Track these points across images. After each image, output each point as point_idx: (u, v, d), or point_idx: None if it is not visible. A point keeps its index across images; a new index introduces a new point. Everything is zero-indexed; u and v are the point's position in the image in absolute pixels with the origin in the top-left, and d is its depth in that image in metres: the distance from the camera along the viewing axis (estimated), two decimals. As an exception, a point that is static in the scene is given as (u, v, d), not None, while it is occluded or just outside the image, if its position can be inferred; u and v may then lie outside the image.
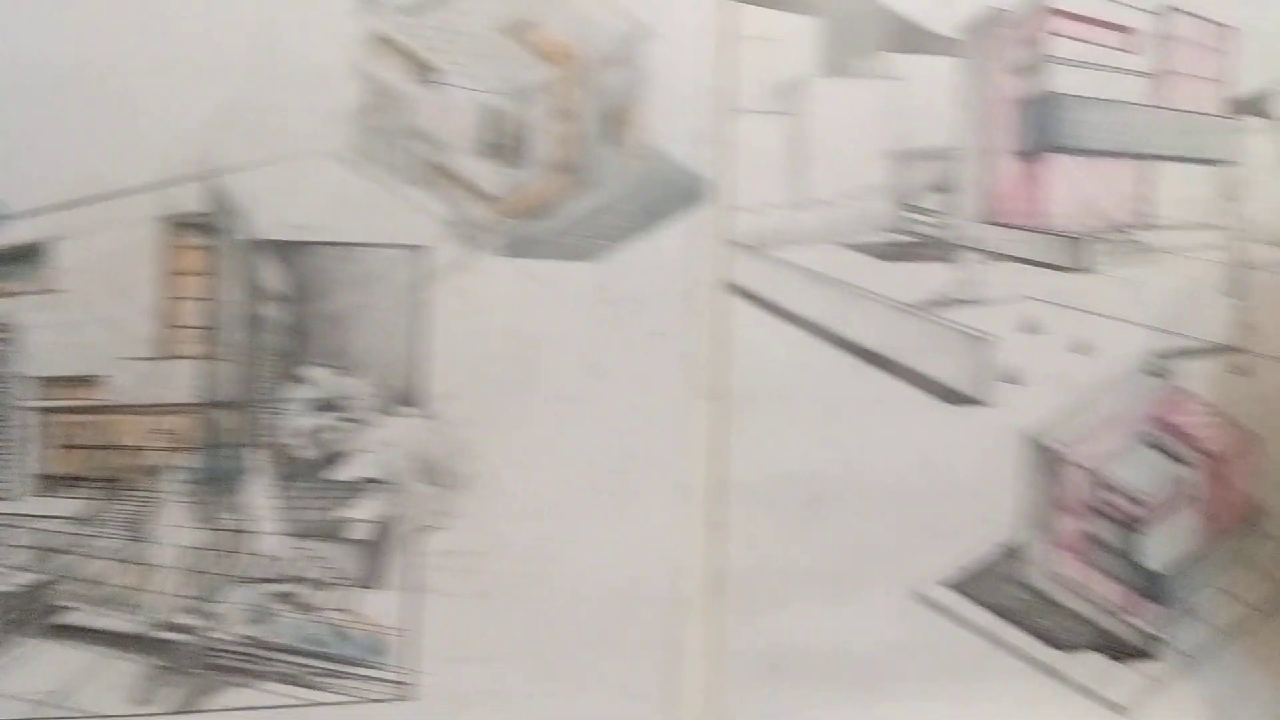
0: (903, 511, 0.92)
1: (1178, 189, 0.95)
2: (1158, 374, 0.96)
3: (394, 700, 0.83)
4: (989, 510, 0.93)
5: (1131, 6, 0.93)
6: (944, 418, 0.92)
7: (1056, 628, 0.96)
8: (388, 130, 0.80)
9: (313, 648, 0.83)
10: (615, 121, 0.84)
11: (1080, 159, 0.93)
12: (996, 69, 0.91)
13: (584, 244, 0.84)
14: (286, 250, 0.80)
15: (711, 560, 0.89)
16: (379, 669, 0.83)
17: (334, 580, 0.83)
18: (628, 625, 0.87)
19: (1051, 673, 0.95)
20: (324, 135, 0.80)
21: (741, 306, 0.88)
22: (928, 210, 0.91)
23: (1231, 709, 0.98)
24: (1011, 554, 0.95)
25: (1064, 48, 0.92)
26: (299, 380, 0.81)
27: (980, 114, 0.91)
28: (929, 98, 0.90)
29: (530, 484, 0.85)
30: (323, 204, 0.80)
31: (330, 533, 0.82)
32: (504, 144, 0.82)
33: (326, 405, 0.81)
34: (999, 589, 0.94)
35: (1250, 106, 0.96)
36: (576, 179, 0.84)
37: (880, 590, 0.92)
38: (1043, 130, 0.92)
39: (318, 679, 0.83)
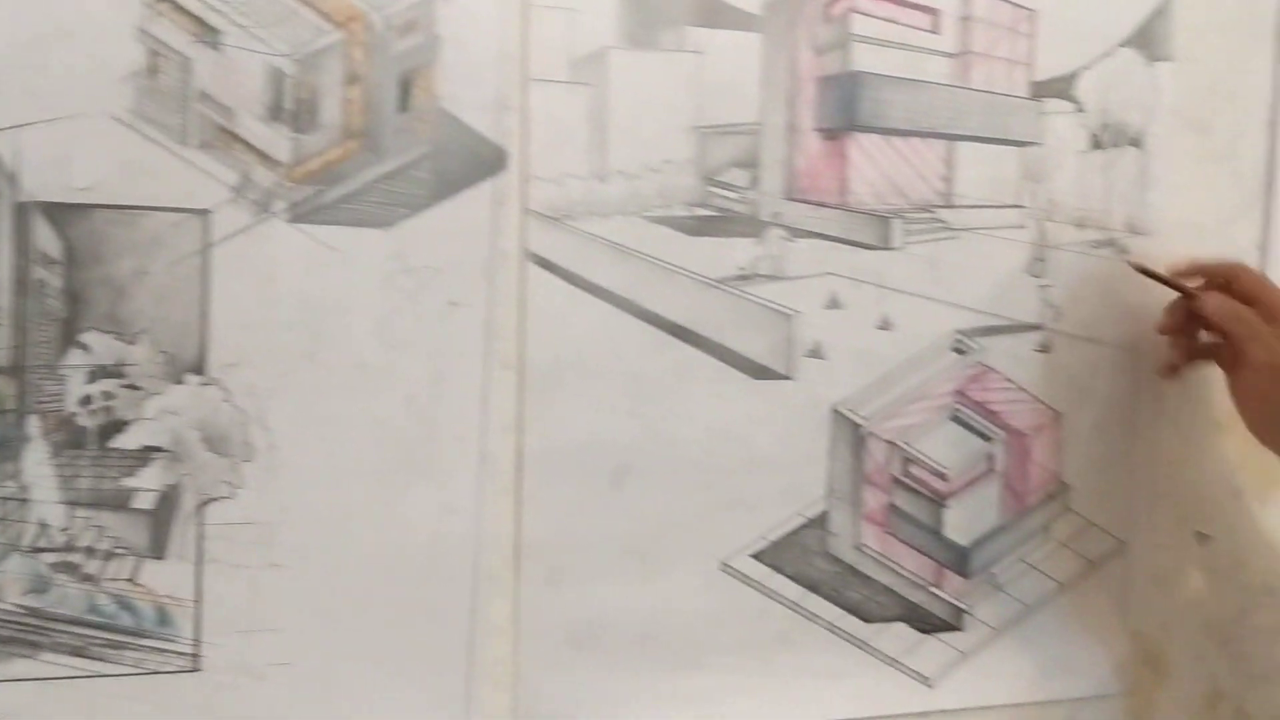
0: (709, 484, 0.92)
1: (981, 169, 0.98)
2: (962, 350, 0.98)
3: (180, 672, 0.82)
4: (795, 483, 0.94)
5: (933, -12, 0.95)
6: (749, 391, 0.93)
7: (863, 600, 0.97)
8: (171, 92, 0.79)
9: (97, 619, 0.81)
10: (408, 88, 0.83)
11: (883, 138, 0.95)
12: (799, 46, 0.92)
13: (378, 211, 0.84)
14: (63, 213, 0.78)
15: (515, 532, 0.88)
16: (165, 640, 0.82)
17: (118, 550, 0.81)
18: (427, 597, 0.87)
19: (859, 644, 0.97)
20: (103, 96, 0.78)
21: (543, 277, 0.88)
22: (731, 185, 0.92)
23: (1035, 680, 1.00)
24: (818, 527, 0.96)
25: (867, 27, 0.94)
26: (79, 347, 0.79)
27: (783, 91, 0.92)
28: (732, 73, 0.91)
29: (323, 454, 0.84)
30: (102, 167, 0.79)
31: (113, 502, 0.81)
32: (292, 108, 0.81)
33: (108, 372, 0.80)
34: (806, 561, 0.95)
35: (1052, 89, 0.99)
36: (368, 145, 0.83)
37: (687, 562, 0.92)
38: (846, 108, 0.94)
39: (102, 650, 0.81)
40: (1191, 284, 0.94)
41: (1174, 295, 0.95)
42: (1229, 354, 0.92)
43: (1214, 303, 0.91)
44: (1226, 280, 0.93)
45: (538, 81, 0.86)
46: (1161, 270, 0.95)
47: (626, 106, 0.88)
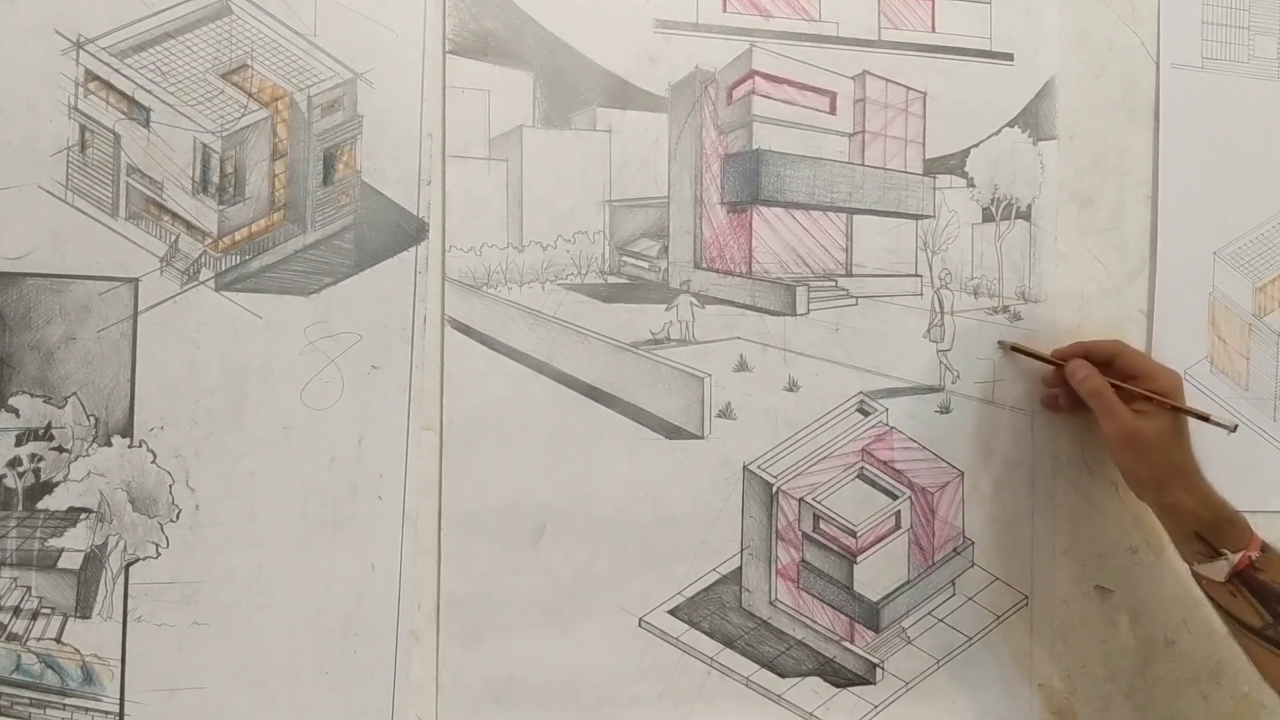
0: (625, 541, 0.96)
1: (879, 240, 1.03)
2: (866, 412, 1.02)
3: (102, 733, 0.83)
4: (709, 540, 0.98)
5: (830, 71, 1.01)
6: (663, 450, 0.97)
7: (778, 655, 1.00)
8: (101, 166, 0.83)
9: (22, 678, 0.82)
10: (332, 163, 0.88)
11: (786, 211, 1.00)
12: (705, 126, 0.98)
13: (302, 279, 0.88)
14: (-5, 281, 0.81)
15: (435, 590, 0.91)
16: (90, 699, 0.83)
17: (44, 609, 0.83)
18: (349, 654, 0.89)
19: (774, 699, 0.99)
20: (36, 170, 0.82)
21: (462, 342, 0.92)
22: (643, 255, 0.97)
23: (947, 731, 1.03)
24: (733, 582, 0.99)
25: (768, 108, 1.00)
26: (8, 410, 0.82)
27: (690, 167, 0.98)
28: (641, 150, 0.96)
29: (247, 514, 0.86)
30: (34, 237, 0.82)
31: (41, 562, 0.82)
32: (218, 182, 0.85)
33: (36, 435, 0.82)
34: (722, 616, 0.98)
35: (944, 165, 1.05)
36: (293, 217, 0.87)
37: (604, 618, 0.95)
38: (749, 184, 0.99)
39: (27, 710, 0.82)
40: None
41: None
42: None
43: (1076, 372, 0.99)
44: (1108, 358, 1.00)
45: (456, 158, 0.91)
46: (1035, 349, 1.02)
47: (541, 181, 0.93)
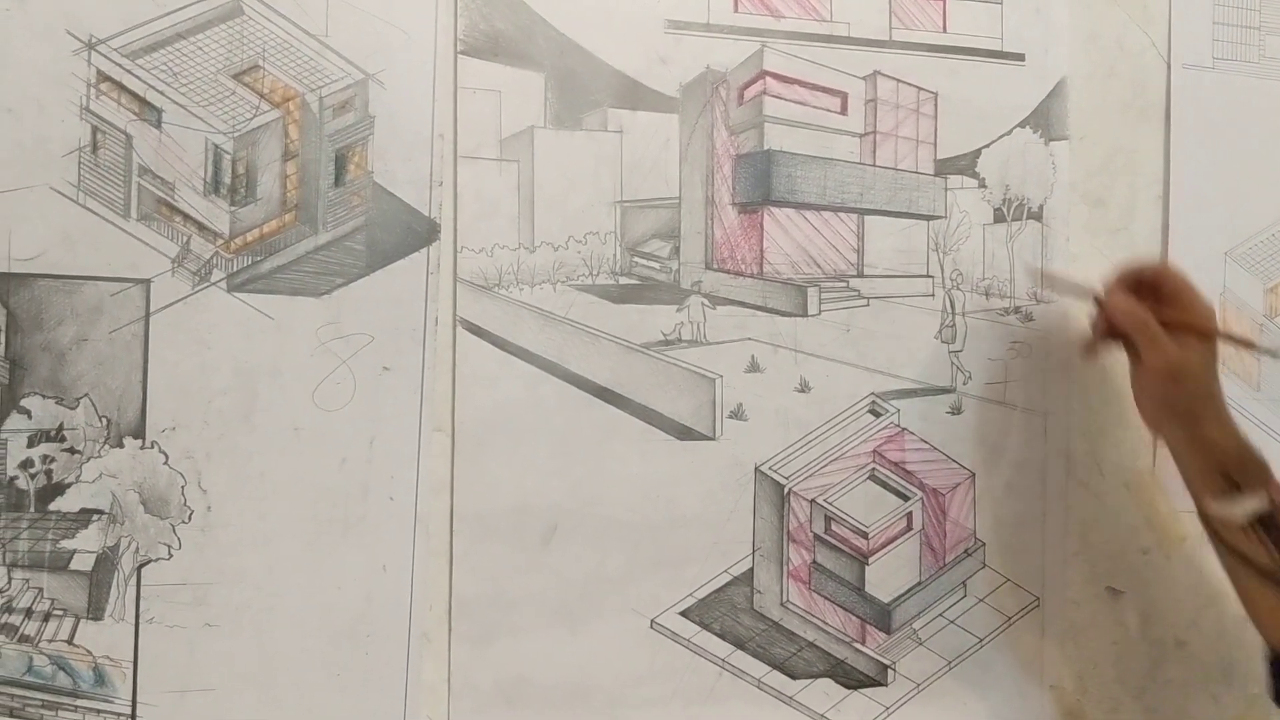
0: (636, 543, 0.95)
1: (891, 241, 1.03)
2: (878, 413, 1.02)
3: (114, 734, 0.83)
4: (721, 541, 0.98)
5: (841, 71, 1.01)
6: (674, 452, 0.96)
7: (789, 656, 1.00)
8: (113, 167, 0.83)
9: (34, 680, 0.82)
10: (343, 164, 0.87)
11: (797, 211, 1.00)
12: (716, 126, 0.98)
13: (314, 280, 0.87)
14: (6, 282, 0.81)
15: (447, 591, 0.91)
16: (102, 701, 0.83)
17: (56, 611, 0.82)
18: (361, 656, 0.89)
19: (785, 700, 0.99)
20: (48, 171, 0.82)
21: (473, 343, 0.92)
22: (654, 256, 0.96)
23: (958, 733, 1.03)
24: (744, 584, 0.99)
25: (779, 109, 1.00)
26: (20, 411, 0.82)
27: (701, 168, 0.98)
28: (652, 151, 0.96)
29: (258, 516, 0.86)
30: (45, 238, 0.82)
31: (52, 564, 0.82)
32: (230, 183, 0.85)
33: (48, 437, 0.82)
34: (733, 618, 0.98)
35: (955, 166, 1.05)
36: (304, 218, 0.87)
37: (615, 619, 0.95)
38: (761, 184, 0.99)
39: (39, 711, 0.82)
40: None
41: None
42: (1130, 352, 0.96)
43: (1118, 306, 0.95)
44: (1154, 281, 0.96)
45: (468, 158, 0.91)
46: (1069, 278, 1.00)
47: (553, 182, 0.93)
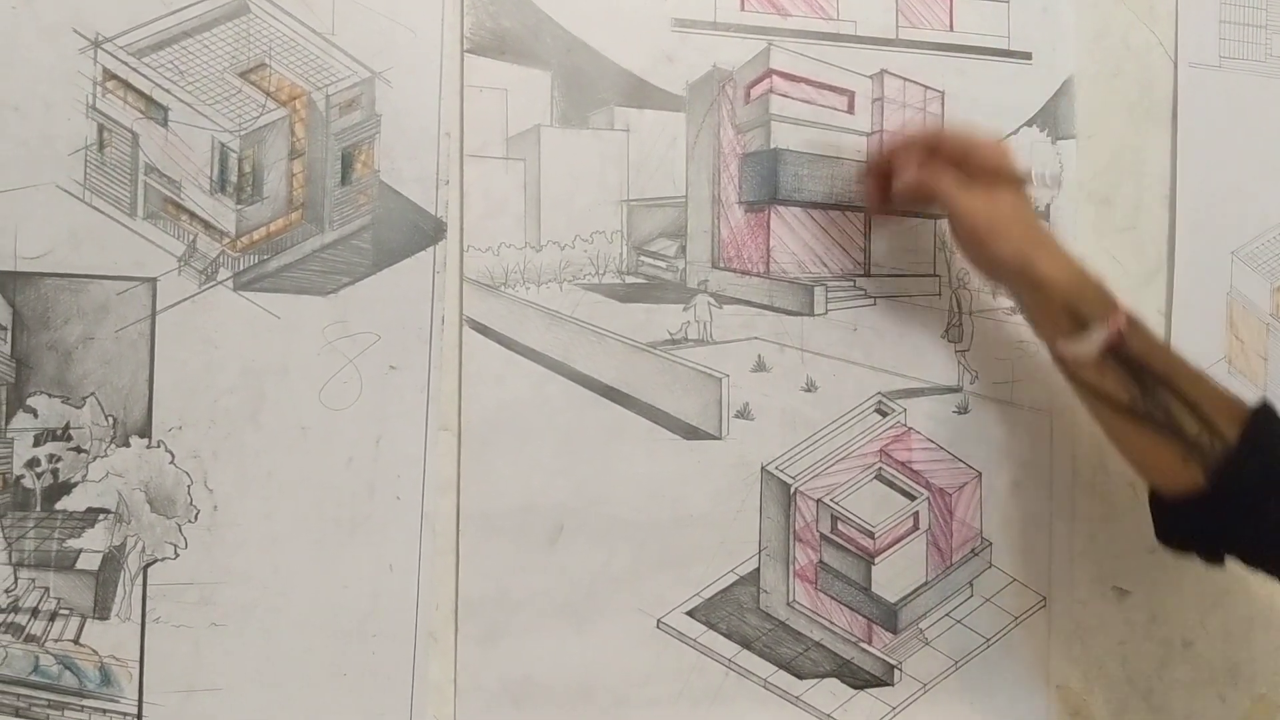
0: (642, 542, 0.95)
1: (897, 240, 1.03)
2: (884, 412, 1.02)
3: (121, 733, 0.83)
4: (727, 541, 0.98)
5: (848, 70, 1.01)
6: (681, 451, 0.96)
7: (796, 656, 1.00)
8: (119, 166, 0.83)
9: (40, 679, 0.82)
10: (350, 162, 0.87)
11: (804, 210, 1.00)
12: (723, 125, 0.98)
13: (320, 279, 0.87)
14: (12, 281, 0.81)
15: (453, 591, 0.91)
16: (108, 700, 0.83)
17: (62, 611, 0.82)
18: (367, 655, 0.88)
19: (792, 700, 0.99)
20: (53, 169, 0.82)
21: (480, 342, 0.91)
22: (660, 255, 0.96)
23: (965, 733, 1.03)
24: (750, 583, 0.98)
25: (786, 107, 0.99)
26: (26, 410, 0.82)
27: (708, 166, 0.97)
28: (659, 150, 0.96)
29: (264, 515, 0.86)
30: (51, 236, 0.82)
31: (59, 563, 0.82)
32: (236, 181, 0.85)
33: (54, 436, 0.82)
34: (740, 618, 0.98)
35: (961, 165, 1.04)
36: (311, 216, 0.87)
37: (622, 619, 0.95)
38: (767, 183, 0.99)
39: (45, 711, 0.82)
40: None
41: None
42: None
43: (910, 184, 0.93)
44: (933, 147, 0.94)
45: (474, 157, 0.91)
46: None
47: (559, 181, 0.93)
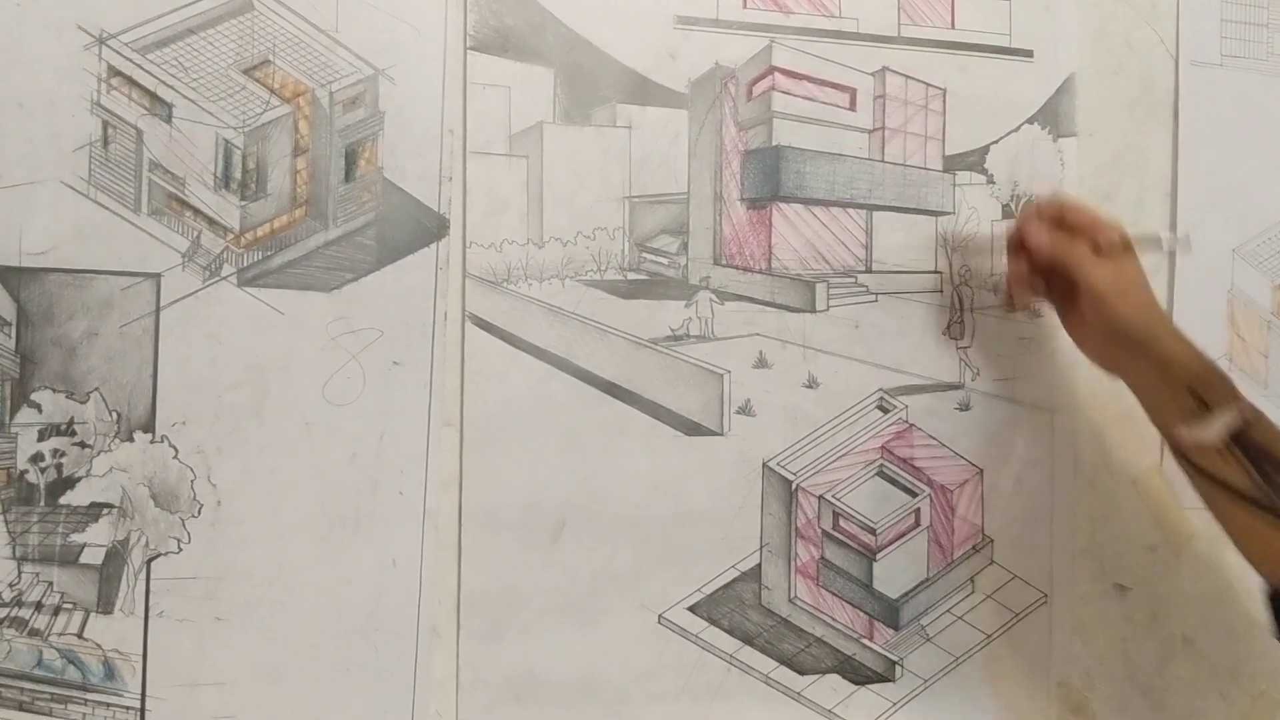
0: (644, 538, 0.95)
1: (899, 236, 1.03)
2: (886, 409, 1.02)
3: (124, 728, 0.83)
4: (729, 537, 0.98)
5: (850, 67, 1.01)
6: (682, 447, 0.96)
7: (797, 652, 1.00)
8: (124, 162, 0.83)
9: (43, 673, 0.82)
10: (354, 159, 0.88)
11: (805, 207, 1.00)
12: (725, 122, 0.98)
13: (324, 275, 0.88)
14: (17, 276, 0.81)
15: (456, 586, 0.91)
16: (111, 695, 0.83)
17: (66, 605, 0.83)
18: (370, 651, 0.89)
19: (793, 696, 0.99)
20: (58, 165, 0.82)
21: (482, 338, 0.92)
22: (662, 251, 0.96)
23: (966, 729, 1.03)
24: (752, 580, 0.99)
25: (788, 104, 1.00)
26: (31, 405, 0.82)
27: (710, 163, 0.98)
28: (661, 147, 0.96)
29: (268, 510, 0.86)
30: (56, 232, 0.82)
31: (62, 557, 0.82)
32: (240, 178, 0.85)
33: (58, 431, 0.82)
34: (741, 614, 0.98)
35: (963, 162, 1.05)
36: (315, 213, 0.87)
37: (624, 615, 0.95)
38: (769, 180, 0.99)
39: (49, 705, 0.82)
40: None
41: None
42: (1060, 288, 0.94)
43: (1042, 241, 0.92)
44: (1057, 214, 0.94)
45: (477, 154, 0.91)
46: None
47: (562, 177, 0.93)
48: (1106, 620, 1.07)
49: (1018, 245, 0.96)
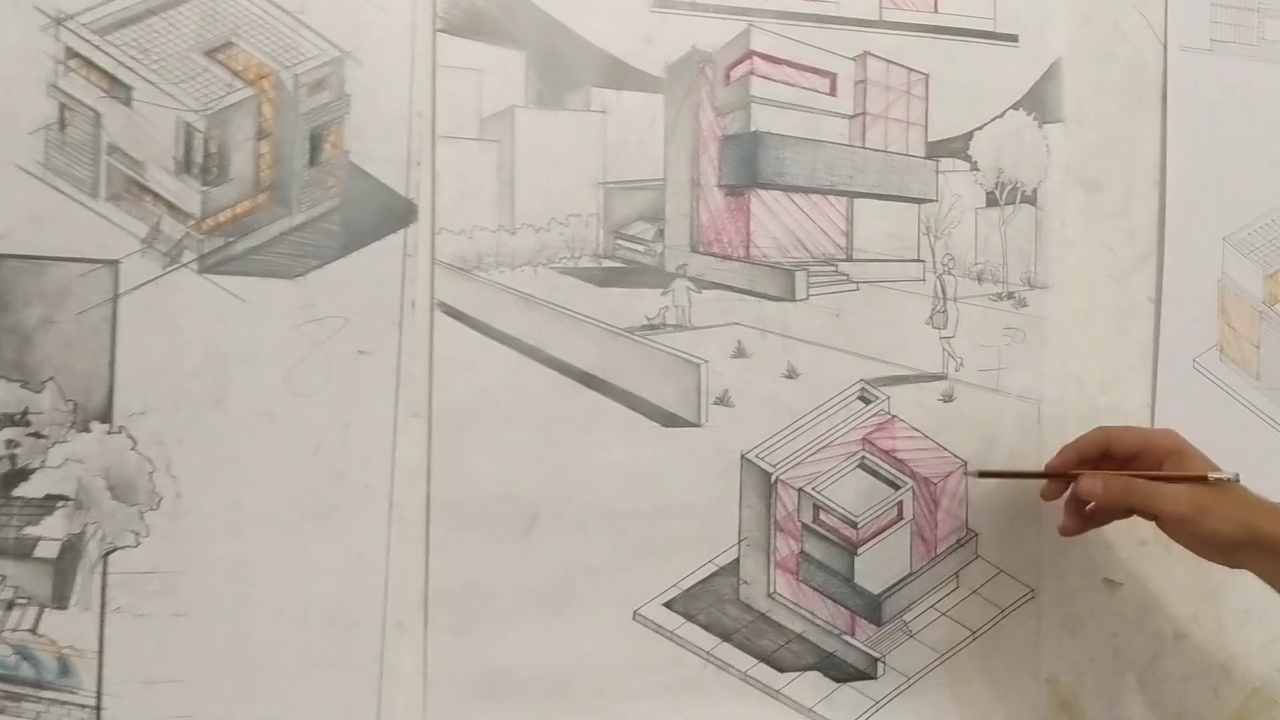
0: (620, 531, 0.93)
1: (881, 224, 1.01)
2: (867, 399, 1.00)
3: (80, 726, 0.81)
4: (706, 530, 0.96)
5: (830, 52, 0.99)
6: (659, 438, 0.94)
7: (777, 649, 0.98)
8: (81, 146, 0.81)
9: (-4, 671, 0.80)
10: (318, 143, 0.85)
11: (785, 194, 0.98)
12: (702, 107, 0.96)
13: (288, 262, 0.86)
14: (-30, 262, 0.79)
15: (423, 581, 0.89)
16: (66, 692, 0.81)
17: (19, 600, 0.81)
18: (334, 647, 0.87)
19: (772, 694, 0.97)
20: (13, 149, 0.80)
21: (452, 326, 0.90)
22: (638, 239, 0.94)
23: (950, 727, 1.01)
24: (730, 574, 0.97)
25: (767, 89, 0.98)
26: (-16, 395, 0.80)
27: (687, 149, 0.96)
28: (636, 132, 0.94)
29: (229, 502, 0.84)
30: (11, 217, 0.80)
31: (16, 551, 0.81)
32: (202, 162, 0.83)
33: (13, 420, 0.80)
34: (719, 609, 0.96)
35: (947, 148, 1.03)
36: (278, 198, 0.85)
37: (598, 610, 0.93)
38: (747, 166, 0.97)
39: (1, 703, 0.80)
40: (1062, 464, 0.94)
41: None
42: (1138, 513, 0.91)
43: (1095, 488, 0.90)
44: (1102, 451, 0.93)
45: (447, 138, 0.89)
46: (1011, 469, 0.98)
47: (534, 163, 0.91)
48: (1096, 616, 1.05)
49: (1069, 495, 0.93)
